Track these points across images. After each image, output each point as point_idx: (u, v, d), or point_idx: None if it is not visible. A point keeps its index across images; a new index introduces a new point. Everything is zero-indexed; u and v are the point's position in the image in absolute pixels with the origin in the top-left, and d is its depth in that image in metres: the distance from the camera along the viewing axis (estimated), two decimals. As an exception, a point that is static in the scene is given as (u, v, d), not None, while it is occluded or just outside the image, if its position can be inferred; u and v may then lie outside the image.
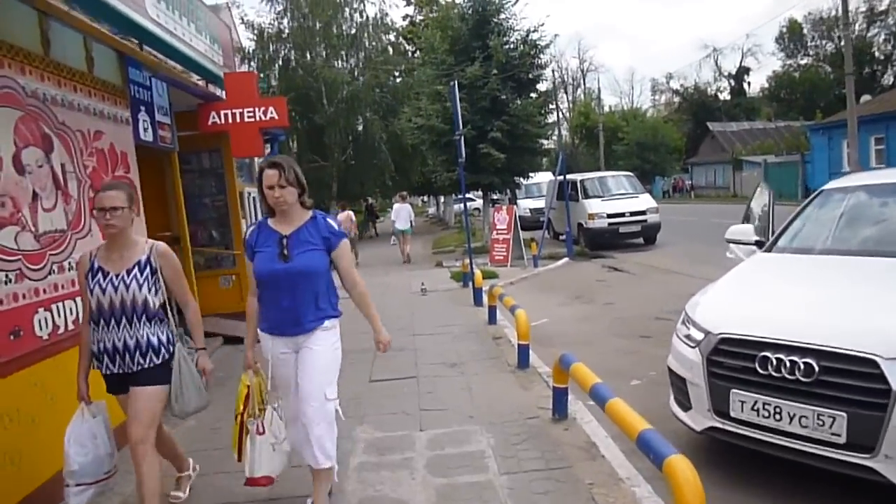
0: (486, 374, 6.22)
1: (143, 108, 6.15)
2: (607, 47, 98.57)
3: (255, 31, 27.92)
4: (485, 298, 9.98)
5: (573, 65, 69.91)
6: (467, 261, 11.48)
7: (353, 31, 28.84)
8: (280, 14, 27.75)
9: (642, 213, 17.12)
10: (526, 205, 24.08)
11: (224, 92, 7.25)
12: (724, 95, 63.86)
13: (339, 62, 28.72)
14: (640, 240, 17.63)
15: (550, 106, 18.90)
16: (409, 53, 31.86)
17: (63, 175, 4.66)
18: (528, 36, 17.76)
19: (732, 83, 63.88)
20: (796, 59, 58.49)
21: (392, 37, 30.82)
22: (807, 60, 57.64)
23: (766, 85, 62.09)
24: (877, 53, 51.57)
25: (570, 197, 17.13)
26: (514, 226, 15.22)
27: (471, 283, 10.51)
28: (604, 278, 12.67)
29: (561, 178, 16.71)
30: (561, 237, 19.51)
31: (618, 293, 10.80)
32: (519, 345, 6.27)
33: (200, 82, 8.18)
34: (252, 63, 28.06)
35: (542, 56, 17.99)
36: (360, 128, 28.66)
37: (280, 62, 28.26)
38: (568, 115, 62.31)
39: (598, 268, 14.32)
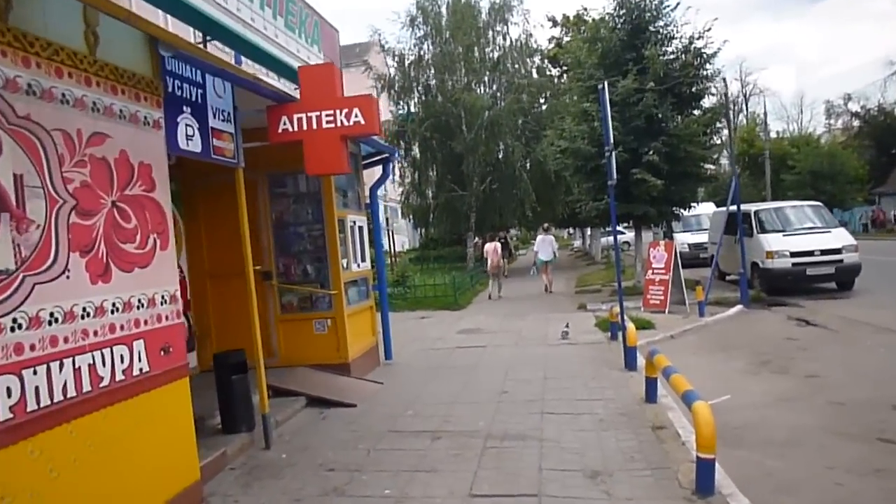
0: (647, 501, 4.07)
1: (187, 108, 4.71)
2: (772, 71, 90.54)
3: (396, 58, 27.29)
4: (640, 360, 7.75)
5: (734, 88, 64.28)
6: (616, 307, 9.25)
7: (496, 54, 27.47)
8: (420, 39, 26.94)
9: (837, 251, 13.88)
10: (684, 239, 21.33)
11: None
12: (916, 116, 55.71)
13: (482, 88, 27.42)
14: (833, 284, 14.38)
15: (718, 124, 16.14)
16: (555, 79, 29.98)
17: (19, 191, 3.20)
18: (690, 44, 15.26)
19: (926, 102, 55.64)
20: None
21: (537, 59, 29.07)
22: None
23: (972, 102, 53.48)
24: None
25: (743, 231, 14.26)
26: (675, 265, 12.69)
27: (621, 339, 8.28)
28: (794, 335, 9.88)
29: (733, 208, 13.94)
30: (728, 278, 16.61)
31: (822, 360, 8.10)
32: (699, 458, 4.06)
33: (295, 92, 6.76)
34: (393, 90, 27.49)
35: (708, 66, 15.38)
36: (501, 155, 27.01)
37: (420, 88, 27.39)
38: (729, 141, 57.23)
39: (782, 320, 11.46)
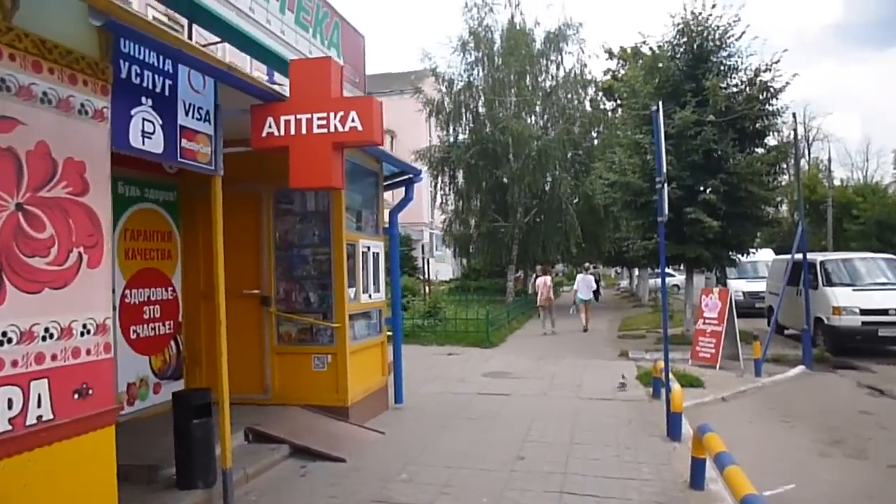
0: None
1: (146, 100, 3.91)
2: (837, 116, 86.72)
3: (445, 83, 26.70)
4: (685, 427, 6.63)
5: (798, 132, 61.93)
6: (661, 361, 8.08)
7: (548, 83, 26.65)
8: (471, 65, 26.33)
9: (915, 311, 12.43)
10: (739, 287, 19.81)
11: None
12: None
13: (532, 118, 26.57)
14: (908, 348, 12.88)
15: (783, 164, 14.85)
16: (609, 112, 28.93)
17: None
18: (756, 76, 14.10)
19: None
20: None
21: (591, 91, 28.09)
22: None
23: None
24: None
25: (808, 283, 12.90)
26: (730, 315, 11.44)
27: (665, 400, 7.12)
28: (868, 408, 8.55)
29: (798, 256, 12.63)
30: (787, 332, 15.16)
31: (906, 443, 6.82)
32: None
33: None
34: (441, 115, 26.90)
35: (774, 101, 14.16)
36: (547, 187, 26.06)
37: (468, 114, 26.72)
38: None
39: (852, 386, 10.09)
